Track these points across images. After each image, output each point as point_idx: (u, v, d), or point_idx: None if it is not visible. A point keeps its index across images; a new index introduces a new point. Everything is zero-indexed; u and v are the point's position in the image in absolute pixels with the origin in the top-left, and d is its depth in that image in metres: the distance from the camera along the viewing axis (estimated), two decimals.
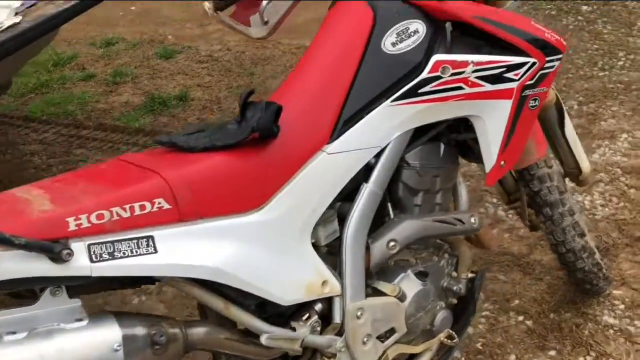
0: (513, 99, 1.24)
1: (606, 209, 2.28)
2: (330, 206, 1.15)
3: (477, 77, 1.20)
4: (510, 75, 1.22)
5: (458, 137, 1.30)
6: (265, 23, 1.39)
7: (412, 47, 1.17)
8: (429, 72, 1.17)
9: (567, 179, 1.81)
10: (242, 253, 0.98)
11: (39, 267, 0.81)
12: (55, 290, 0.84)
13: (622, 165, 2.49)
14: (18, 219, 0.83)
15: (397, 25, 1.17)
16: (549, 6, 3.78)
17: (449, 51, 1.22)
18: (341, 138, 1.13)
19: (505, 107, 1.24)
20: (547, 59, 1.25)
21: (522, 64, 1.22)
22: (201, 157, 0.99)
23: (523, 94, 1.24)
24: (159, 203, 0.90)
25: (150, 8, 4.74)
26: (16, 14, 1.89)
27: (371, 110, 1.15)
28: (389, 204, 1.27)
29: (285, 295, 1.04)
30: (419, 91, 1.17)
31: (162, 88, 3.47)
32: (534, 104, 1.27)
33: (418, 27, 1.18)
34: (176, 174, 0.94)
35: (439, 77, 1.18)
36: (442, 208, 1.35)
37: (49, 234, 0.82)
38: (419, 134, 1.26)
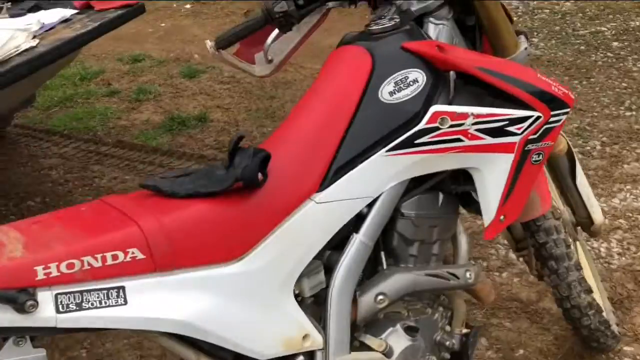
0: (515, 154, 1.19)
1: (623, 258, 2.20)
2: (318, 256, 1.12)
3: (477, 130, 1.16)
4: (512, 129, 1.18)
5: (457, 189, 1.26)
6: (270, 61, 1.39)
7: (410, 96, 1.14)
8: (427, 123, 1.14)
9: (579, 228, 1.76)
10: (218, 306, 0.96)
11: (3, 317, 0.80)
12: (19, 340, 0.83)
13: None
14: None
15: (396, 74, 1.15)
16: (577, 41, 3.71)
17: (449, 101, 1.19)
18: (331, 187, 1.10)
19: (506, 161, 1.20)
20: (553, 113, 1.21)
21: (526, 118, 1.18)
22: (183, 204, 0.98)
23: (526, 148, 1.20)
24: (133, 253, 0.88)
25: (179, 26, 4.81)
26: (34, 37, 1.92)
27: (365, 160, 1.12)
28: (382, 254, 1.24)
29: (263, 350, 1.01)
30: (416, 142, 1.14)
31: (183, 107, 3.49)
32: (537, 159, 1.23)
33: (417, 77, 1.15)
34: (154, 222, 0.92)
35: (437, 129, 1.14)
36: (439, 259, 1.31)
37: (16, 282, 0.81)
38: (416, 183, 1.23)
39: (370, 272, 1.23)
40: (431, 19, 1.27)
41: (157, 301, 0.90)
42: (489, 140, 1.17)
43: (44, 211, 2.79)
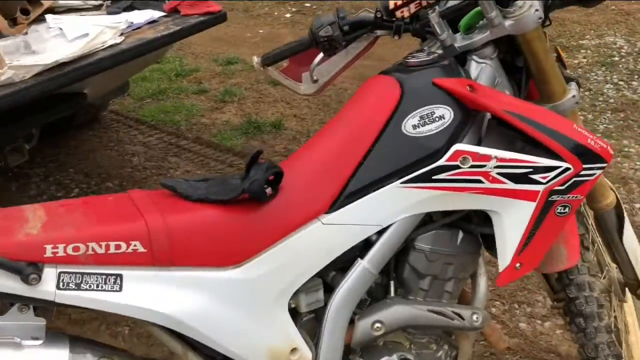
0: (537, 202, 1.16)
1: None
2: (320, 274, 1.15)
3: (499, 173, 1.14)
4: (536, 177, 1.15)
5: (476, 229, 1.25)
6: (315, 81, 1.43)
7: (434, 132, 1.15)
8: (447, 160, 1.14)
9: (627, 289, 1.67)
10: (209, 307, 1.01)
11: (9, 284, 0.89)
12: (22, 307, 0.93)
13: None
14: (6, 238, 0.93)
15: (422, 108, 1.15)
16: None
17: (478, 141, 1.18)
18: (341, 210, 1.13)
19: (527, 209, 1.17)
20: (585, 166, 1.16)
21: (553, 168, 1.15)
22: (192, 207, 1.04)
23: (550, 199, 1.17)
24: (135, 245, 0.96)
25: (276, 34, 4.98)
26: (121, 34, 2.09)
27: (379, 188, 1.14)
28: (392, 282, 1.24)
29: (248, 356, 1.05)
30: (433, 177, 1.14)
31: (262, 113, 3.63)
32: (562, 211, 1.19)
33: (444, 113, 1.16)
34: (160, 220, 0.99)
35: (457, 167, 1.14)
36: (453, 297, 1.29)
37: (27, 256, 0.91)
38: (436, 218, 1.23)
39: (380, 298, 1.25)
40: (474, 56, 1.27)
41: (151, 293, 0.97)
42: (510, 185, 1.15)
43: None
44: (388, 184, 1.14)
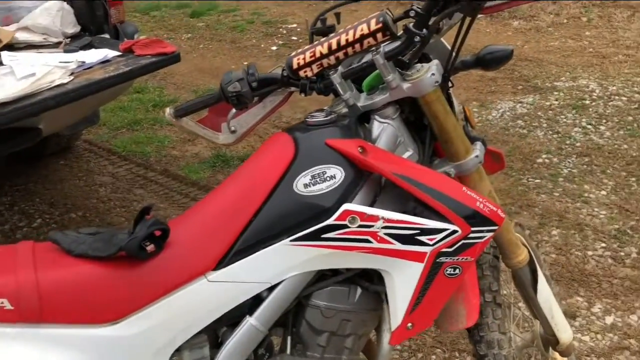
0: (425, 264, 1.17)
1: None
2: (210, 330, 1.16)
3: (386, 234, 1.16)
4: (423, 238, 1.16)
5: (370, 287, 1.26)
6: (233, 132, 1.46)
7: (324, 192, 1.17)
8: (336, 219, 1.15)
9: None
10: None
11: None
12: None
13: None
14: None
15: (314, 168, 1.18)
16: None
17: (371, 201, 1.20)
18: (228, 268, 1.14)
19: (415, 270, 1.18)
20: (474, 229, 1.18)
21: (440, 230, 1.16)
22: (70, 263, 1.06)
23: (438, 260, 1.18)
24: (2, 302, 0.97)
25: (260, 66, 5.04)
26: (72, 73, 2.13)
27: (267, 246, 1.16)
28: (289, 338, 1.25)
29: None
30: (322, 236, 1.16)
31: (233, 147, 3.66)
32: (452, 272, 1.20)
33: (336, 173, 1.18)
34: (32, 276, 1.01)
35: (345, 226, 1.16)
36: (354, 352, 1.30)
37: None
38: (332, 275, 1.24)
39: (279, 353, 1.25)
40: (376, 116, 1.29)
41: (17, 351, 0.98)
42: (398, 246, 1.17)
43: (83, 224, 3.04)
44: (277, 241, 1.16)
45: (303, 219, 1.16)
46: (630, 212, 2.87)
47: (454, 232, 1.17)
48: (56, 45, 2.42)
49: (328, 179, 1.17)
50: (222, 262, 1.14)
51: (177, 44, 5.80)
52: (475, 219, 1.18)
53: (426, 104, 1.28)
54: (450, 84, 1.35)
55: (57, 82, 2.02)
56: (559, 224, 2.79)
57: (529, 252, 1.51)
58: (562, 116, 3.76)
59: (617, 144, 3.43)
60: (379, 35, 1.20)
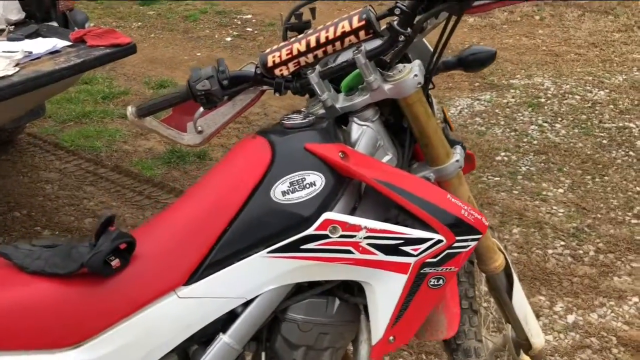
0: (408, 275, 1.12)
1: None
2: (181, 348, 1.08)
3: (369, 244, 1.10)
4: (407, 249, 1.11)
5: (350, 299, 1.20)
6: (200, 132, 1.37)
7: (303, 199, 1.10)
8: (316, 229, 1.08)
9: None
10: None
11: None
12: None
13: (619, 335, 2.23)
14: None
15: (293, 174, 1.10)
16: (601, 134, 3.57)
17: (352, 209, 1.14)
18: (200, 282, 1.06)
19: (398, 281, 1.12)
20: (458, 238, 1.13)
21: (424, 240, 1.11)
22: (24, 281, 0.96)
23: (422, 271, 1.13)
24: None
25: (215, 57, 4.90)
26: (17, 64, 1.97)
27: (243, 258, 1.08)
28: (263, 354, 1.18)
29: None
30: (302, 247, 1.09)
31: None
32: (436, 283, 1.15)
33: (315, 180, 1.11)
34: None
35: (326, 236, 1.09)
36: None
37: None
38: (309, 286, 1.17)
39: None
40: (355, 118, 1.23)
41: None
42: (381, 256, 1.11)
43: (27, 224, 2.86)
44: (253, 253, 1.08)
45: (281, 229, 1.09)
46: (587, 210, 2.91)
47: (439, 241, 1.12)
48: None
49: (308, 186, 1.10)
50: (194, 276, 1.05)
51: (126, 33, 5.57)
52: (460, 227, 1.14)
53: (407, 106, 1.22)
54: (431, 86, 1.30)
55: (0, 74, 1.87)
56: (519, 222, 2.81)
57: (505, 257, 1.49)
58: (519, 114, 3.80)
59: (572, 142, 3.49)
60: (361, 33, 1.13)
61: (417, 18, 1.13)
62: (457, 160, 1.29)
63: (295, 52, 1.18)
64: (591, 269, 2.55)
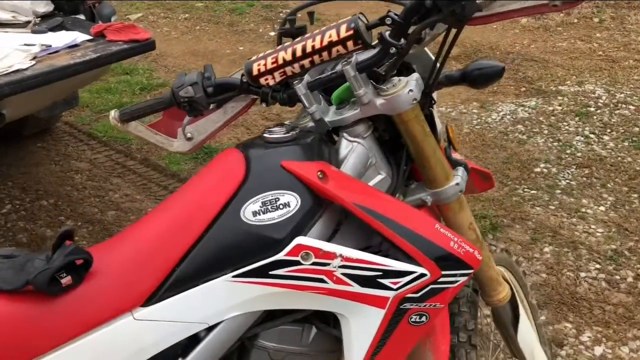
0: (387, 310, 1.03)
1: None
2: None
3: (344, 274, 1.01)
4: (386, 281, 1.01)
5: (325, 329, 1.11)
6: (189, 139, 1.31)
7: (275, 221, 1.02)
8: (287, 255, 1.00)
9: None
10: None
11: None
12: None
13: None
14: None
15: (266, 193, 1.02)
16: None
17: (330, 235, 1.05)
18: (159, 304, 0.99)
19: (375, 316, 1.03)
20: (445, 272, 1.03)
21: (406, 273, 1.01)
22: None
23: (402, 306, 1.03)
24: None
25: (257, 52, 4.87)
26: (35, 58, 1.97)
27: (206, 281, 1.01)
28: None
29: None
30: (270, 272, 1.01)
31: (218, 137, 3.50)
32: (417, 320, 1.05)
33: (290, 201, 1.02)
34: None
35: (297, 263, 1.01)
36: None
37: None
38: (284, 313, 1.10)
39: None
40: (345, 134, 1.14)
41: None
42: (356, 288, 1.02)
43: (52, 213, 2.89)
44: (218, 277, 1.01)
45: (249, 252, 1.01)
46: (629, 232, 2.71)
47: (422, 275, 1.02)
48: (25, 24, 2.25)
49: (281, 206, 1.02)
50: (152, 297, 0.99)
51: (172, 24, 5.62)
52: (448, 261, 1.03)
53: (402, 123, 1.12)
54: (432, 101, 1.19)
55: (15, 67, 1.86)
56: (552, 241, 2.64)
57: (511, 288, 1.37)
58: (565, 123, 3.59)
59: (620, 156, 3.27)
60: (349, 44, 1.04)
61: (412, 28, 1.02)
62: (458, 184, 1.19)
63: (280, 61, 1.10)
64: (627, 297, 2.37)
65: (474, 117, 3.67)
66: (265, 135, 1.10)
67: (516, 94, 3.98)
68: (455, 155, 1.25)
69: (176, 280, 1.00)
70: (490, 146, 3.35)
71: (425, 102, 1.17)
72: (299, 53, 1.08)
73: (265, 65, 1.12)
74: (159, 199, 2.96)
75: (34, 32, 2.18)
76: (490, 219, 2.74)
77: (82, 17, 2.40)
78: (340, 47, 1.05)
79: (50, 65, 1.91)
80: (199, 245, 1.01)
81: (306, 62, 1.09)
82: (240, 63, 4.79)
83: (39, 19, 2.27)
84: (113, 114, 1.25)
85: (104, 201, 2.97)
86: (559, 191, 2.98)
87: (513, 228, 2.71)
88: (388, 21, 1.01)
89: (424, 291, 1.03)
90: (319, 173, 1.03)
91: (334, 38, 1.05)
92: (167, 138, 1.33)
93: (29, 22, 2.27)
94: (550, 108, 3.76)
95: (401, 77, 1.10)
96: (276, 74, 1.12)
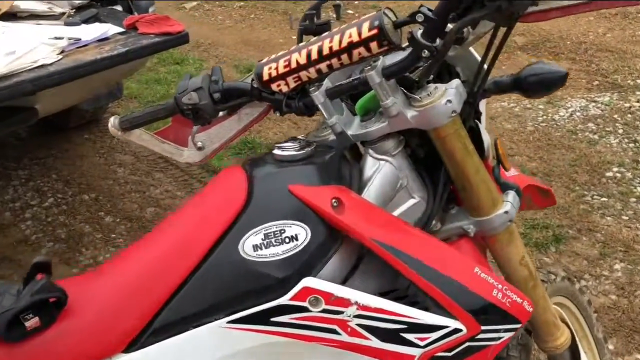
0: None
1: None
2: None
3: (360, 325, 0.84)
4: (411, 336, 0.83)
5: None
6: (200, 149, 1.16)
7: (280, 258, 0.85)
8: (292, 299, 0.84)
9: None
10: None
11: None
12: None
13: None
14: None
15: (270, 223, 0.86)
16: None
17: (345, 276, 0.88)
18: (142, 351, 0.85)
19: None
20: (485, 328, 0.84)
21: (436, 327, 0.83)
22: None
23: None
24: None
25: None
26: (62, 51, 1.88)
27: (197, 326, 0.86)
28: None
29: None
30: (272, 319, 0.85)
31: (264, 131, 3.37)
32: None
33: (298, 233, 0.86)
34: None
35: (305, 309, 0.84)
36: None
37: None
38: None
39: None
40: (370, 150, 0.96)
41: None
42: (375, 342, 0.84)
43: (92, 208, 2.84)
44: (210, 321, 0.85)
45: (247, 293, 0.85)
46: None
47: (456, 330, 0.83)
48: (59, 16, 2.17)
49: (287, 240, 0.85)
50: (135, 343, 0.85)
51: (227, 12, 5.52)
52: (489, 314, 0.84)
53: (439, 139, 0.93)
54: (477, 112, 0.99)
55: (40, 62, 1.78)
56: (624, 257, 2.36)
57: (571, 331, 1.15)
58: None
59: None
60: (373, 45, 0.86)
61: (449, 27, 0.83)
62: (507, 212, 0.98)
63: (294, 65, 0.93)
64: None
65: (539, 113, 3.38)
66: (275, 152, 0.94)
67: (588, 88, 3.64)
68: (506, 175, 1.04)
69: (163, 324, 0.86)
70: (557, 146, 3.06)
71: (470, 113, 0.97)
72: (314, 55, 0.91)
73: (277, 69, 0.95)
74: None
75: (66, 24, 2.09)
76: (554, 229, 2.48)
77: (119, 8, 2.30)
78: (362, 49, 0.87)
79: (76, 60, 1.81)
80: (189, 283, 0.86)
81: (323, 66, 0.91)
82: None
83: (74, 10, 2.19)
84: (112, 121, 1.11)
85: (144, 197, 2.89)
86: (633, 199, 2.67)
87: (579, 240, 2.44)
88: (420, 18, 0.82)
89: (458, 349, 0.84)
90: (334, 201, 0.85)
91: (355, 38, 0.86)
92: (176, 147, 1.18)
93: (63, 13, 2.18)
94: (627, 105, 3.41)
95: (438, 85, 0.91)
96: (289, 80, 0.95)
